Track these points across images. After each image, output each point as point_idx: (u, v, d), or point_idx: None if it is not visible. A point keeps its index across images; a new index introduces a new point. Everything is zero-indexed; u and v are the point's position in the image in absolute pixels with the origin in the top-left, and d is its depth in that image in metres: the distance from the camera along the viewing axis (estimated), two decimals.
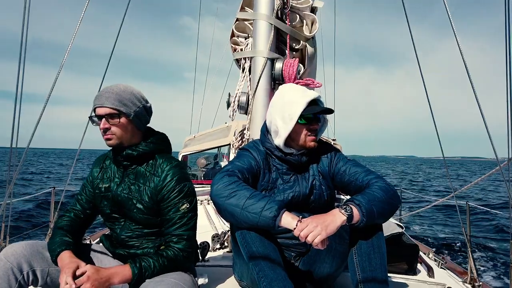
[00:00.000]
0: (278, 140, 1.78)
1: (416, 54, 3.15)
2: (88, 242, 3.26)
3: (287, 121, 1.72)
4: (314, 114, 1.75)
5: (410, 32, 3.12)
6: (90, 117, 1.70)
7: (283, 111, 1.75)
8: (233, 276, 1.97)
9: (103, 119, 1.64)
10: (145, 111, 1.74)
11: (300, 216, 1.49)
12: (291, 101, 1.74)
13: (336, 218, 1.46)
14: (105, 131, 1.65)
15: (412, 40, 3.15)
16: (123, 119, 1.65)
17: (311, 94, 1.75)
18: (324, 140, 1.92)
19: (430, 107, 3.09)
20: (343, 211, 1.48)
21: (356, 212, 1.49)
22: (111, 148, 1.77)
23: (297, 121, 1.72)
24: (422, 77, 3.09)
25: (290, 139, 1.78)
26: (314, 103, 1.76)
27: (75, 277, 1.46)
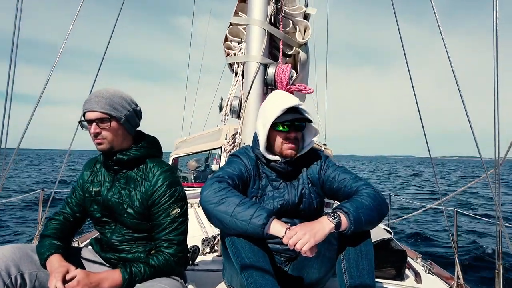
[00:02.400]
0: (260, 146, 1.81)
1: (404, 53, 3.17)
2: (76, 244, 3.24)
3: (263, 127, 1.77)
4: (291, 122, 1.75)
5: (398, 29, 3.14)
6: (80, 122, 1.69)
7: (263, 117, 1.79)
8: (223, 281, 1.97)
9: (94, 124, 1.63)
10: (135, 115, 1.74)
11: (289, 224, 1.51)
12: (269, 107, 1.78)
13: (324, 226, 1.48)
14: (95, 135, 1.64)
15: (401, 38, 3.19)
16: (113, 123, 1.64)
17: (289, 102, 1.74)
18: (315, 146, 1.93)
19: (418, 106, 3.13)
20: (331, 218, 1.50)
21: (344, 219, 1.51)
22: (102, 152, 1.76)
23: (275, 128, 1.76)
24: (410, 76, 3.12)
25: (271, 146, 1.81)
26: (296, 110, 1.76)
27: (64, 281, 1.45)
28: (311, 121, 1.79)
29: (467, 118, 2.46)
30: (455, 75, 2.45)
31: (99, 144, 1.66)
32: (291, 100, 1.76)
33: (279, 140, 1.78)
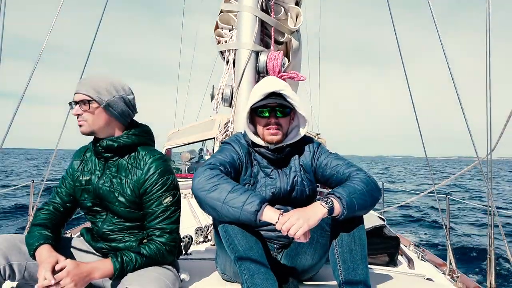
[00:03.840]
0: (246, 129, 1.80)
1: (400, 53, 3.17)
2: (69, 236, 3.21)
3: (245, 111, 1.76)
4: (272, 107, 1.73)
5: (394, 29, 3.14)
6: (70, 103, 1.69)
7: (248, 103, 1.79)
8: (216, 270, 1.97)
9: (77, 106, 1.65)
10: (123, 102, 1.70)
11: (282, 210, 1.50)
12: (253, 91, 1.78)
13: (317, 211, 1.47)
14: (77, 117, 1.66)
15: (396, 37, 3.17)
16: (93, 107, 1.64)
17: (270, 87, 1.73)
18: (307, 135, 1.91)
19: (414, 106, 3.12)
20: (324, 203, 1.50)
21: (337, 204, 1.51)
22: (92, 140, 1.75)
23: (257, 114, 1.76)
24: (406, 75, 3.12)
25: (257, 132, 1.80)
26: (280, 97, 1.73)
27: (54, 272, 1.43)
28: (292, 108, 1.75)
29: (461, 107, 2.46)
30: (451, 72, 2.44)
31: (80, 126, 1.67)
32: (274, 85, 1.74)
33: (260, 126, 1.77)
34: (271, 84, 1.76)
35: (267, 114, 1.74)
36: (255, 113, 1.77)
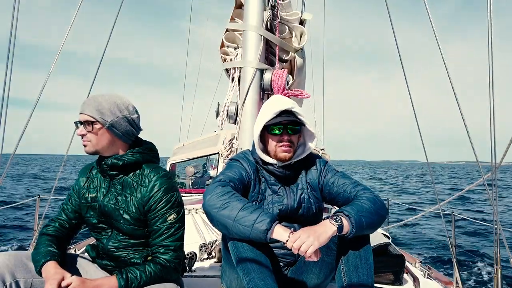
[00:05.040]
0: (256, 149, 1.82)
1: (399, 56, 3.19)
2: (73, 251, 3.21)
3: (257, 129, 1.79)
4: (284, 125, 1.76)
5: (394, 36, 3.17)
6: (75, 122, 1.73)
7: (258, 121, 1.81)
8: (220, 287, 1.96)
9: (81, 126, 1.68)
10: (127, 122, 1.72)
11: (292, 228, 1.51)
12: (264, 110, 1.81)
13: (327, 229, 1.48)
14: (82, 137, 1.69)
15: (396, 44, 3.21)
16: (97, 128, 1.67)
17: (282, 105, 1.76)
18: (314, 152, 1.94)
19: (414, 110, 3.14)
20: (333, 221, 1.50)
21: (346, 223, 1.51)
22: (97, 158, 1.77)
23: (269, 132, 1.78)
24: (406, 81, 3.14)
25: (267, 150, 1.82)
26: (291, 114, 1.77)
27: None
28: (303, 124, 1.80)
29: (464, 124, 2.47)
30: (451, 79, 2.46)
31: (84, 146, 1.70)
32: (285, 103, 1.78)
33: (272, 143, 1.79)
34: (282, 102, 1.80)
35: (279, 132, 1.77)
36: (266, 131, 1.80)
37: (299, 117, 1.78)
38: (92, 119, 1.65)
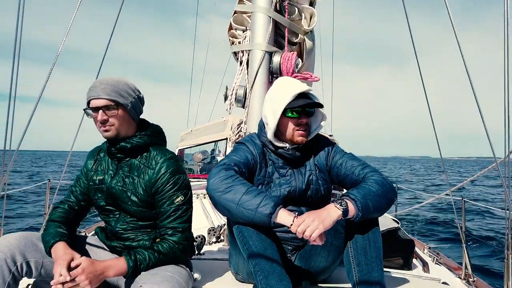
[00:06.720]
0: (268, 133, 1.76)
1: (415, 51, 3.13)
2: (83, 234, 3.25)
3: (275, 113, 1.72)
4: (303, 108, 1.72)
5: (410, 29, 3.10)
6: (85, 110, 1.68)
7: (272, 104, 1.75)
8: (229, 270, 1.97)
9: (100, 111, 1.62)
10: (140, 102, 1.74)
11: (296, 213, 1.49)
12: (279, 93, 1.73)
13: (331, 213, 1.46)
14: (103, 123, 1.63)
15: (411, 38, 3.14)
16: (120, 111, 1.64)
17: (300, 87, 1.71)
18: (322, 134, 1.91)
19: (429, 106, 3.08)
20: (338, 205, 1.48)
21: (351, 206, 1.49)
22: (105, 140, 1.75)
23: (285, 115, 1.72)
24: (421, 74, 3.08)
25: (280, 133, 1.77)
26: (305, 96, 1.72)
27: (69, 268, 1.45)
28: (322, 106, 1.76)
29: (478, 107, 2.40)
30: (469, 74, 2.39)
31: (106, 131, 1.65)
32: (301, 86, 1.73)
33: (290, 126, 1.74)
34: (297, 84, 1.74)
35: (298, 115, 1.73)
36: (283, 115, 1.73)
37: (315, 99, 1.74)
38: (113, 103, 1.62)
